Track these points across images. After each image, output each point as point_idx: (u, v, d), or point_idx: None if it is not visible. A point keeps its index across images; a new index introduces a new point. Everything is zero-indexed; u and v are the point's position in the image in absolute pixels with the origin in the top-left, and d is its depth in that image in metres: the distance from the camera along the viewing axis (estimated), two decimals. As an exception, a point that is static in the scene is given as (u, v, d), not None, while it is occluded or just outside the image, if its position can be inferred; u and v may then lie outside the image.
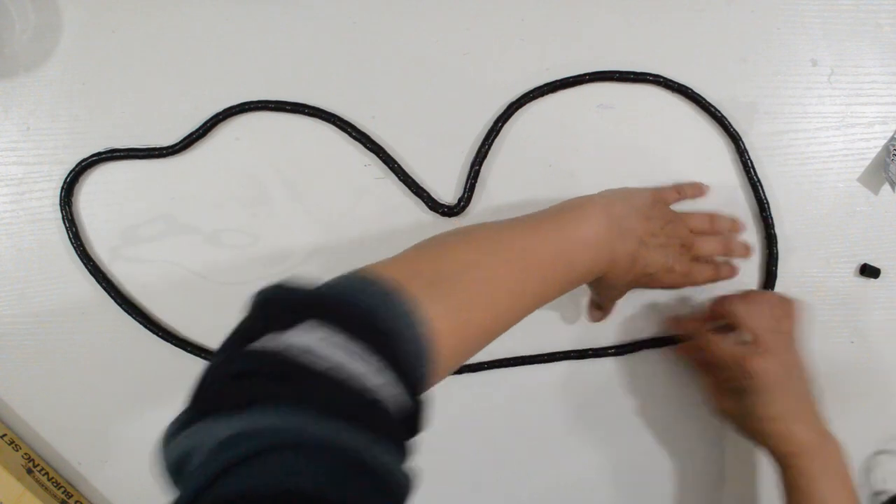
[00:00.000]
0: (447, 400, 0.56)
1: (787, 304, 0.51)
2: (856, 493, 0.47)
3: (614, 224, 0.45)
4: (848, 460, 0.48)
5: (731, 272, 0.53)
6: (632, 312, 0.58)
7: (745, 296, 0.51)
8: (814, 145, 0.57)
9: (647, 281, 0.48)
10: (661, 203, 0.51)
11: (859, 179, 0.58)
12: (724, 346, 0.49)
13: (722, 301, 0.51)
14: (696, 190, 0.56)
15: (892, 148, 0.56)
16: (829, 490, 0.46)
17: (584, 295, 0.57)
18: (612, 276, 0.46)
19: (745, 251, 0.55)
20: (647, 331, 0.58)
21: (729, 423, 0.52)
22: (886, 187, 0.57)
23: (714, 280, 0.52)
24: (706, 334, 0.51)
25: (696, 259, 0.51)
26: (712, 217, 0.54)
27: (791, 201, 0.57)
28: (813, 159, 0.57)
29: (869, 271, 0.58)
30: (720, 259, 0.54)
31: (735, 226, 0.56)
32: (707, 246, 0.52)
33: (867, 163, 0.57)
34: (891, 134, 0.57)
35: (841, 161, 0.57)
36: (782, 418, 0.47)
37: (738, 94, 0.56)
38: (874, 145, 0.57)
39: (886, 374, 0.60)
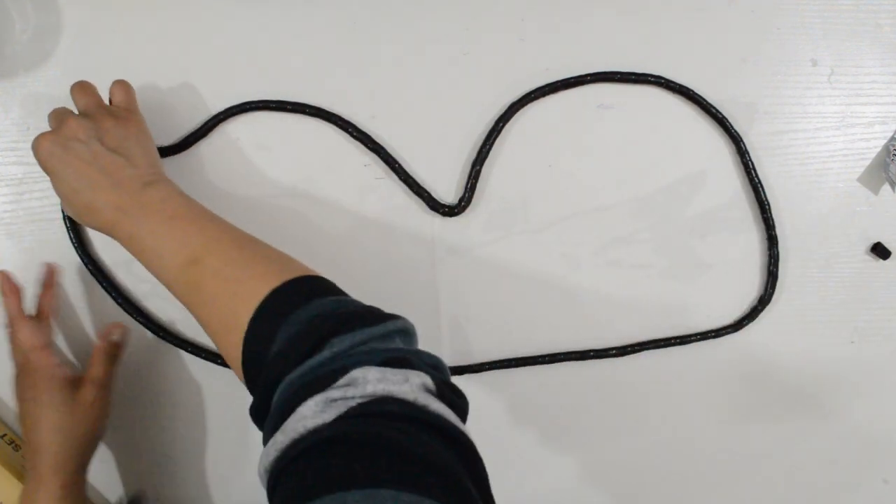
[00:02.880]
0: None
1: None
2: (200, 221, 0.45)
3: None
4: (178, 195, 0.45)
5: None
6: (632, 314, 0.58)
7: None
8: (814, 145, 0.57)
9: None
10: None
11: (859, 179, 0.58)
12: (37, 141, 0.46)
13: None
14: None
15: (892, 148, 0.56)
16: (160, 235, 0.43)
17: (583, 294, 0.57)
18: None
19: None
20: (647, 332, 0.58)
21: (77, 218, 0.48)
22: (886, 187, 0.57)
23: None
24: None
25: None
26: None
27: (791, 202, 0.57)
28: (813, 159, 0.57)
29: (880, 251, 0.58)
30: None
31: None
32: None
33: (867, 163, 0.58)
34: (891, 134, 0.57)
35: (841, 161, 0.58)
36: (80, 191, 0.45)
37: (738, 94, 0.56)
38: (874, 145, 0.57)
39: (887, 374, 0.60)
